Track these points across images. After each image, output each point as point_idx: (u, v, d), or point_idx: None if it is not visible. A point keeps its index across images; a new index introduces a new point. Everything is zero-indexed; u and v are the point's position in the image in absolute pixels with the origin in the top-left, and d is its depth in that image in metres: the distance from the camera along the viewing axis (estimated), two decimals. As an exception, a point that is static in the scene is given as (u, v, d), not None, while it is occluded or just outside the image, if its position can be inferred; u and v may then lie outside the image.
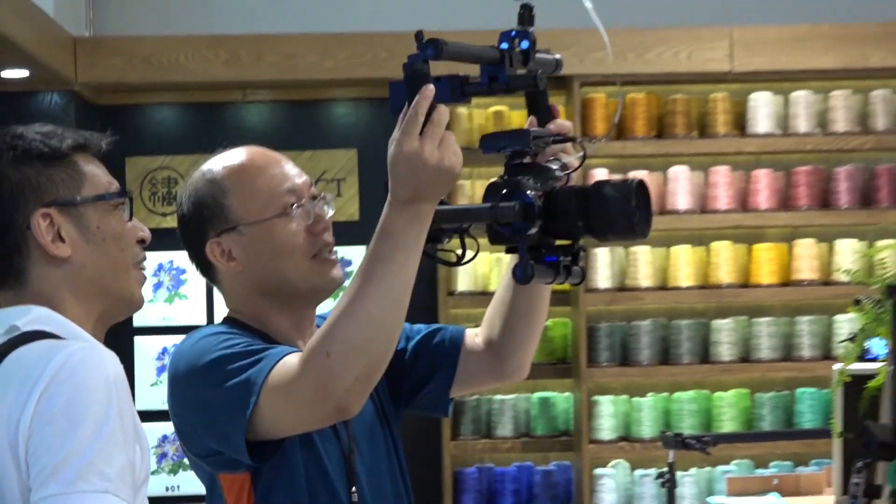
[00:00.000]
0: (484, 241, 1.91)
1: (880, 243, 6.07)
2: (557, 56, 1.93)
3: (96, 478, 1.79)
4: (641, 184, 1.81)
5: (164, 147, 6.39)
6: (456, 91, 1.75)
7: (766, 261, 6.22)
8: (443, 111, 1.73)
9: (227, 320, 2.17)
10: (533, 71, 1.82)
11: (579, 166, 1.99)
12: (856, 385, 2.55)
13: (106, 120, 6.14)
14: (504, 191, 1.79)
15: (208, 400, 1.97)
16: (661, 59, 6.12)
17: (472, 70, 1.79)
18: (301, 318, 2.16)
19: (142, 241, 2.06)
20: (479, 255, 1.95)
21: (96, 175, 2.04)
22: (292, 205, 2.07)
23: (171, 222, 5.20)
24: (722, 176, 6.19)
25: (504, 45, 1.79)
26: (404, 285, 1.80)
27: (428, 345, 2.31)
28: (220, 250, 2.07)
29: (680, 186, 6.17)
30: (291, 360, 1.85)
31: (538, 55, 1.84)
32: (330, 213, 2.19)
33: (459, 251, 1.93)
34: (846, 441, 2.42)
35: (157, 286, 6.35)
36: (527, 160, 1.85)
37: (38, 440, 1.79)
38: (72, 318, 1.97)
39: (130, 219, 2.06)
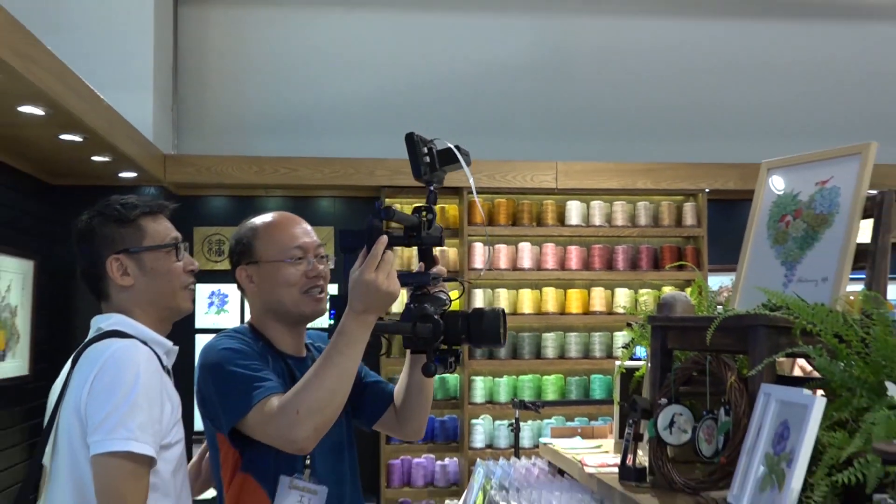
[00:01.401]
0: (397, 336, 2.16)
1: (642, 291, 6.75)
2: (441, 228, 2.10)
3: (123, 430, 1.95)
4: (503, 311, 2.06)
5: (216, 221, 6.69)
6: (389, 243, 1.97)
7: (574, 299, 6.72)
8: (391, 254, 1.96)
9: (249, 326, 2.30)
10: (437, 231, 2.06)
11: (461, 296, 2.30)
12: (628, 374, 2.63)
13: (182, 204, 6.63)
14: (416, 315, 1.99)
15: (220, 393, 2.09)
16: (515, 179, 6.54)
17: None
18: (294, 333, 2.30)
19: (191, 272, 2.23)
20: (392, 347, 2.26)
21: (156, 231, 2.20)
22: (298, 257, 2.24)
23: (221, 266, 6.06)
24: (550, 249, 6.68)
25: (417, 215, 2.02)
26: (351, 370, 2.00)
27: (375, 387, 2.44)
28: (245, 274, 2.27)
29: (524, 254, 6.67)
30: (273, 404, 2.00)
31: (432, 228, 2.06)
32: (327, 266, 2.32)
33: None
34: (622, 407, 2.48)
35: (210, 304, 6.78)
36: (423, 291, 2.05)
37: (90, 406, 1.98)
38: (140, 322, 2.16)
39: (179, 259, 2.20)
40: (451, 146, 2.03)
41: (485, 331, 2.04)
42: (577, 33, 7.24)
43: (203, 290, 6.70)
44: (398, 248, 2.11)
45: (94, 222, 2.18)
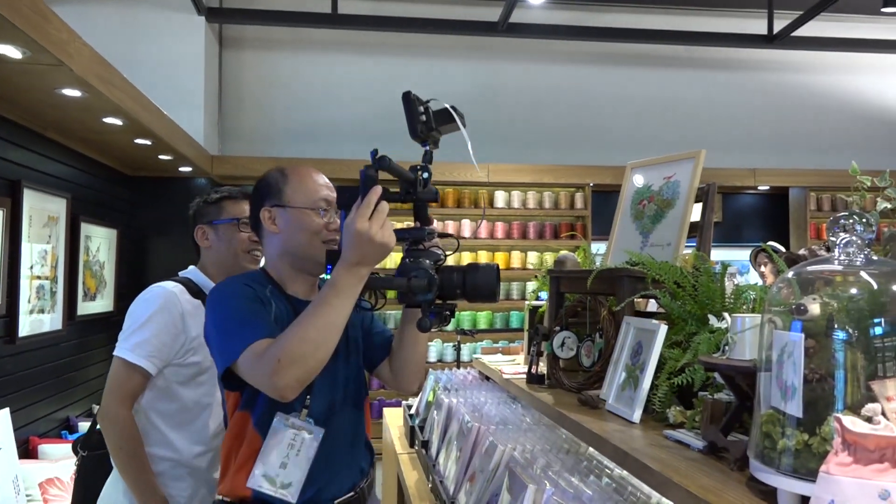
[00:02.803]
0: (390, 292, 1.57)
1: (546, 253, 6.67)
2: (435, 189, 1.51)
3: (125, 343, 1.98)
4: (498, 267, 1.54)
5: (249, 203, 6.79)
6: (385, 199, 1.44)
7: (500, 259, 6.66)
8: (385, 204, 1.42)
9: (262, 271, 1.71)
10: (432, 191, 1.49)
11: (454, 251, 1.63)
12: (534, 310, 2.56)
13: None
14: (412, 269, 1.47)
15: (216, 335, 1.55)
16: (460, 175, 6.47)
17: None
18: (306, 279, 1.71)
19: (253, 241, 2.11)
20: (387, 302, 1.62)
21: (230, 210, 2.16)
22: (323, 208, 1.67)
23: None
24: (483, 224, 6.72)
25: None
26: (338, 323, 1.41)
27: (381, 335, 1.84)
28: (268, 215, 1.68)
29: (465, 228, 6.61)
30: (260, 348, 1.44)
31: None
32: (339, 222, 1.68)
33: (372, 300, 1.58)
34: (530, 333, 2.20)
35: None
36: (420, 247, 1.52)
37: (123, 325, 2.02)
38: (210, 274, 2.13)
39: (239, 230, 2.14)
40: (448, 106, 1.51)
41: (479, 286, 1.53)
42: (502, 74, 7.12)
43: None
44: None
45: (196, 203, 2.21)
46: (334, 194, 1.72)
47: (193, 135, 5.57)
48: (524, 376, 2.16)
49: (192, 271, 2.15)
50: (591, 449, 1.79)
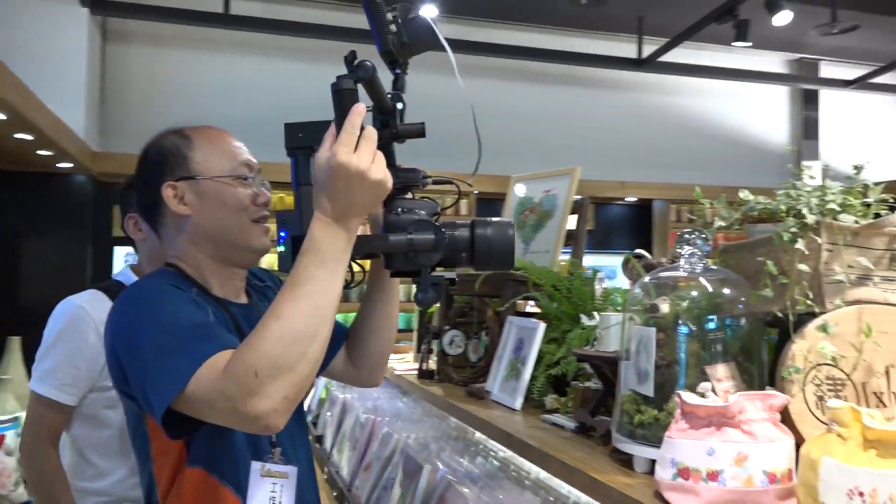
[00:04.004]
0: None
1: None
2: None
3: (36, 373, 1.73)
4: (513, 226, 1.11)
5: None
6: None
7: None
8: (373, 130, 0.98)
9: (171, 268, 1.23)
10: (417, 126, 1.05)
11: (454, 204, 1.30)
12: (423, 312, 2.53)
13: (107, 190, 6.07)
14: (408, 223, 1.04)
15: (144, 363, 1.04)
16: None
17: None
18: (232, 274, 1.26)
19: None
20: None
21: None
22: (245, 176, 1.24)
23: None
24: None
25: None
26: (330, 302, 0.97)
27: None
28: (173, 192, 1.21)
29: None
30: (220, 361, 0.97)
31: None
32: (268, 194, 1.27)
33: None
34: (420, 332, 2.30)
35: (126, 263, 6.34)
36: (408, 196, 1.09)
37: None
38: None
39: None
40: (428, 18, 1.07)
41: (494, 247, 1.08)
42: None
43: (120, 252, 6.25)
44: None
45: (119, 189, 1.91)
46: (253, 157, 1.29)
47: (73, 129, 5.32)
48: (415, 372, 2.22)
49: (122, 272, 1.80)
50: (477, 435, 1.93)
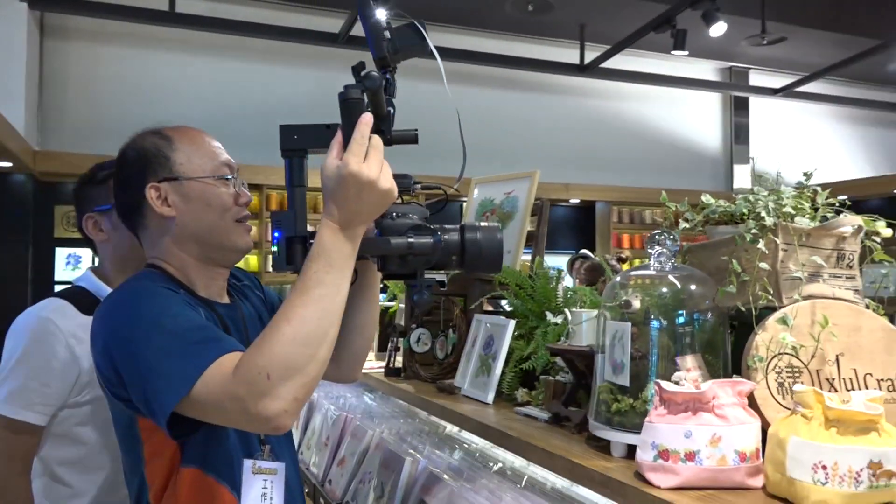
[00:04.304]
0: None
1: None
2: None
3: (1, 394, 1.55)
4: (501, 230, 1.15)
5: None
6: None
7: None
8: (379, 140, 1.03)
9: (154, 269, 1.24)
10: (412, 130, 1.11)
11: (442, 208, 1.26)
12: (385, 310, 2.52)
13: (48, 190, 6.09)
14: (404, 226, 1.09)
15: (145, 364, 1.05)
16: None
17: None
18: (216, 274, 1.27)
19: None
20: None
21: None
22: (227, 176, 1.25)
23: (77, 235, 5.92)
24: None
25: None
26: (338, 306, 1.02)
27: None
28: (156, 194, 1.22)
29: None
30: (230, 363, 1.00)
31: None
32: (249, 194, 1.29)
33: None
34: (387, 331, 2.23)
35: (67, 263, 5.99)
36: (398, 200, 1.10)
37: None
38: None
39: None
40: (416, 21, 1.10)
41: (484, 251, 1.12)
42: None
43: (62, 254, 6.11)
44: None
45: (76, 188, 1.76)
46: (233, 159, 1.30)
47: (12, 128, 5.18)
48: (381, 370, 2.24)
49: (85, 277, 1.65)
50: (448, 429, 1.99)
